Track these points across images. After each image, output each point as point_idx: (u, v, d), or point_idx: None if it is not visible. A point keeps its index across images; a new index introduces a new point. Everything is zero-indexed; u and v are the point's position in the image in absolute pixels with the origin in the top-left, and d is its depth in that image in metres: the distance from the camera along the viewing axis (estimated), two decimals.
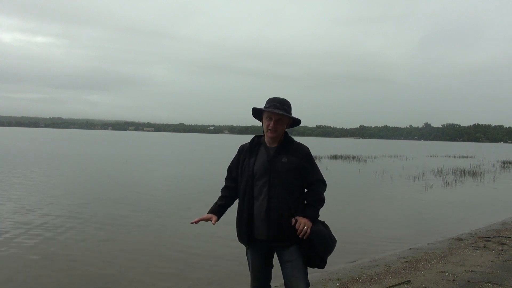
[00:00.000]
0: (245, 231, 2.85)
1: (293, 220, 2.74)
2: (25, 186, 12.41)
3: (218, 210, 2.97)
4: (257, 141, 2.96)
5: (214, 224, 2.93)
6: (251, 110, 2.93)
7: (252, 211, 2.82)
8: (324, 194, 2.92)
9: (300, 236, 2.70)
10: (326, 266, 2.88)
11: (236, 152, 3.03)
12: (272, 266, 2.97)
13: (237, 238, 2.95)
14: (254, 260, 2.92)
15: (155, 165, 22.48)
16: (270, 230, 2.76)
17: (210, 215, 2.92)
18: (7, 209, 8.85)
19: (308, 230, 2.70)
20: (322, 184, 2.90)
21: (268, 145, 2.90)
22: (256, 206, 2.81)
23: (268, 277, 2.97)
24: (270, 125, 2.83)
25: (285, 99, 2.91)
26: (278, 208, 2.75)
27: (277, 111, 2.79)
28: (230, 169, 3.04)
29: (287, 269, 2.79)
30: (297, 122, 2.96)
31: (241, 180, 2.92)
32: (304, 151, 2.88)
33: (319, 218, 2.88)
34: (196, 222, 2.90)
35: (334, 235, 2.88)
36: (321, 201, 2.86)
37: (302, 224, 2.70)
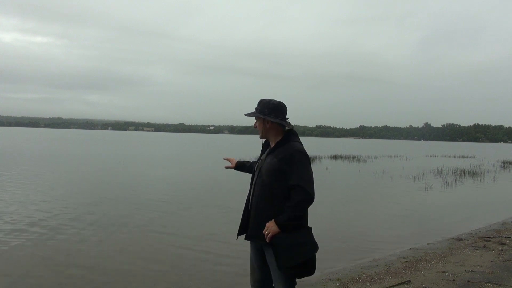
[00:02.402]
0: (240, 225, 3.01)
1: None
2: (23, 187, 12.40)
3: (242, 162, 3.33)
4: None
5: (231, 165, 3.34)
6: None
7: (249, 208, 2.97)
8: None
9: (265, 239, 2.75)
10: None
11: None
12: None
13: (240, 238, 3.09)
14: (252, 255, 3.03)
15: (154, 165, 22.47)
16: (250, 227, 2.89)
17: (235, 160, 3.33)
18: (5, 210, 8.85)
19: (270, 235, 2.70)
20: (300, 190, 2.67)
21: (271, 145, 2.99)
22: (251, 203, 2.95)
23: (265, 275, 2.96)
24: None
25: (262, 99, 2.93)
26: (256, 208, 2.85)
27: (247, 114, 2.95)
28: None
29: (271, 271, 2.85)
30: (278, 118, 2.85)
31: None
32: (287, 153, 2.75)
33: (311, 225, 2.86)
34: (227, 159, 3.36)
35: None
36: (294, 208, 2.67)
37: (265, 227, 2.73)
